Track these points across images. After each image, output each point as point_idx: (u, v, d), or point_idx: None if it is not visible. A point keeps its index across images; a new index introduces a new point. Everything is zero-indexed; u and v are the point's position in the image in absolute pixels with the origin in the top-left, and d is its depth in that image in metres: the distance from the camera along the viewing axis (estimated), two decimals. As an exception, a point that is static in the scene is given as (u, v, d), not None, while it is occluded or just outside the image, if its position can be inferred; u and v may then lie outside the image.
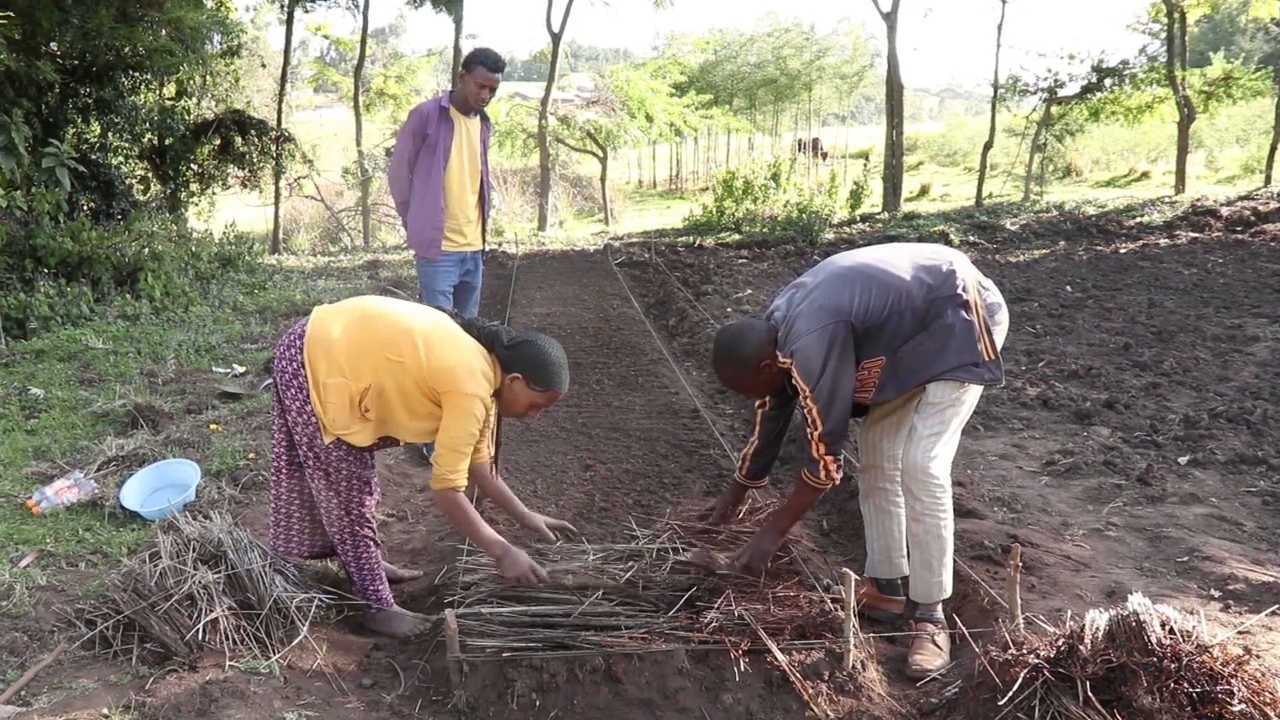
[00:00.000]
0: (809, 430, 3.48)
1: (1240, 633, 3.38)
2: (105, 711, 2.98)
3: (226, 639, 3.39)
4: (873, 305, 3.48)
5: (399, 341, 3.48)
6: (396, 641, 3.75)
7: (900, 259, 3.61)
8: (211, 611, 3.42)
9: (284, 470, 3.82)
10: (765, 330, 3.60)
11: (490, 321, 3.75)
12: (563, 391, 3.64)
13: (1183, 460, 5.44)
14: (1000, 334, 3.63)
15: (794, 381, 3.51)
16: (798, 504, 3.75)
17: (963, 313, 3.49)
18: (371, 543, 3.78)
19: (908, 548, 3.79)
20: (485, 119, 5.98)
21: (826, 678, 3.23)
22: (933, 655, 3.53)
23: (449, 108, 5.72)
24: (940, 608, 3.71)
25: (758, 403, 3.95)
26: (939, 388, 3.53)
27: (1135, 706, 2.59)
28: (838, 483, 3.64)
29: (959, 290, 3.51)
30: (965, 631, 3.29)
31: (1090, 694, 2.63)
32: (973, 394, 3.60)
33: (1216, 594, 3.80)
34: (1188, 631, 2.68)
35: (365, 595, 3.80)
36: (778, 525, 3.77)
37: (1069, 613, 3.11)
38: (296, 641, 3.53)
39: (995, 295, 3.67)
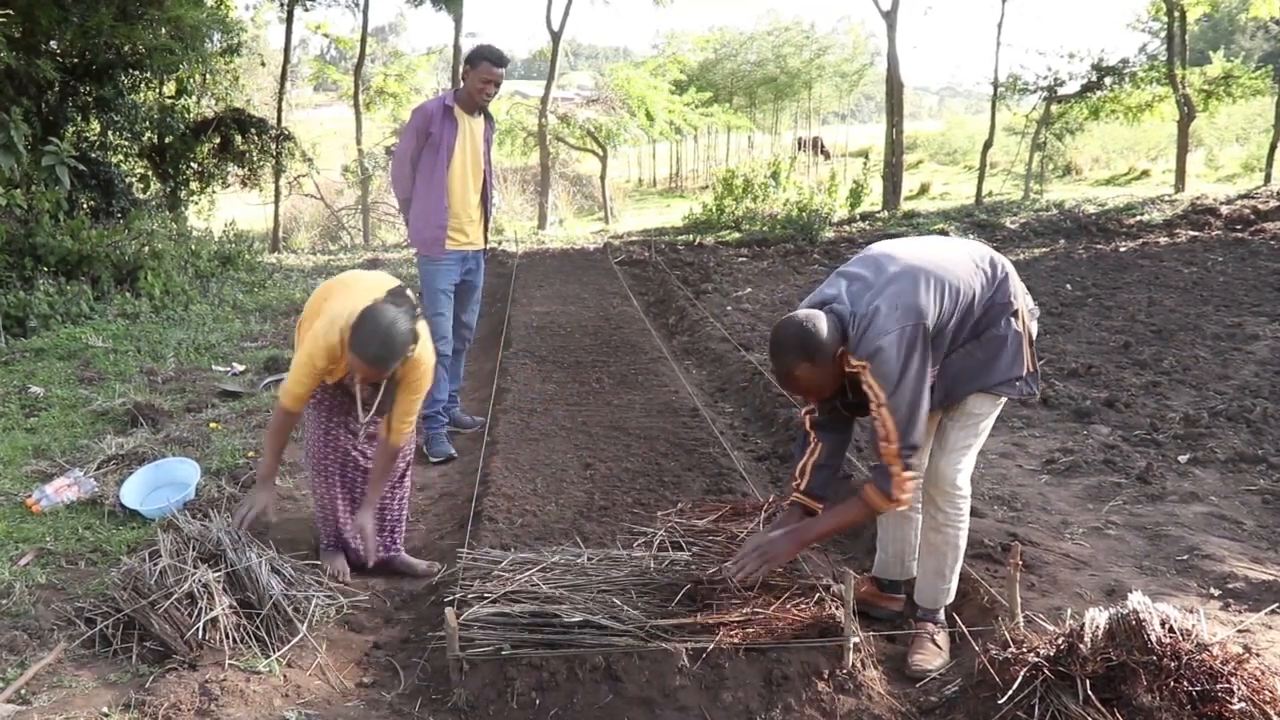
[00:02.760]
0: (882, 444, 3.18)
1: (1240, 631, 3.38)
2: (105, 710, 2.98)
3: (226, 638, 3.40)
4: (944, 309, 3.26)
5: (331, 289, 4.14)
6: (397, 641, 3.76)
7: (959, 258, 3.41)
8: (212, 610, 3.43)
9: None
10: (835, 323, 3.20)
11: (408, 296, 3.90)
12: (363, 357, 3.65)
13: (1183, 459, 5.44)
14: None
15: (865, 387, 3.17)
16: (845, 519, 3.48)
17: (1014, 322, 3.41)
18: (324, 484, 4.23)
19: (919, 552, 3.76)
20: (489, 118, 5.98)
21: (826, 676, 3.23)
22: (933, 655, 3.52)
23: (453, 106, 5.71)
24: (942, 609, 3.71)
25: (805, 409, 3.62)
26: (980, 400, 3.45)
27: (1135, 705, 2.59)
28: (903, 506, 3.38)
29: (1011, 298, 3.41)
30: (965, 630, 3.29)
31: (1090, 692, 2.63)
32: (1001, 407, 3.57)
33: (1216, 592, 3.80)
34: (1187, 630, 2.68)
35: (318, 527, 4.34)
36: (804, 536, 3.50)
37: (1069, 611, 3.11)
38: (297, 640, 3.54)
39: (1031, 300, 3.60)
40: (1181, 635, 2.66)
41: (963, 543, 3.61)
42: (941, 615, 3.69)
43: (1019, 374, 3.42)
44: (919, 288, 3.21)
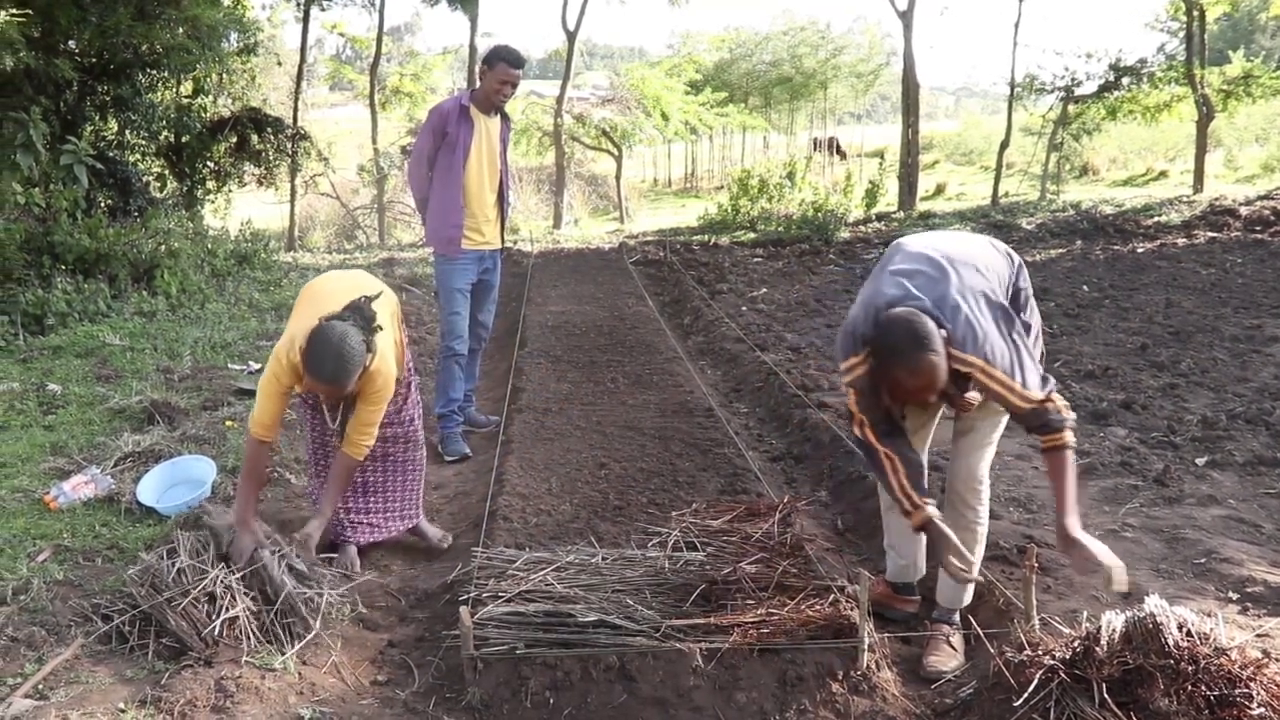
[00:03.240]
0: (1044, 404, 3.20)
1: (1259, 635, 3.36)
2: (122, 705, 3.00)
3: (242, 635, 3.41)
4: (998, 291, 3.36)
5: (305, 296, 4.09)
6: (411, 640, 3.76)
7: (986, 245, 3.53)
8: (233, 609, 3.44)
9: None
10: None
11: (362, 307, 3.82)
12: (315, 378, 3.64)
13: (1200, 461, 5.41)
14: None
15: (988, 382, 3.18)
16: (1073, 477, 3.28)
17: (1030, 314, 3.55)
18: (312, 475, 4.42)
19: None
20: (505, 118, 5.99)
21: (841, 678, 3.23)
22: (948, 656, 3.51)
23: (469, 106, 5.72)
24: (959, 610, 3.70)
25: (863, 423, 3.39)
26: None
27: (1152, 709, 2.59)
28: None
29: (1027, 285, 3.56)
30: (980, 632, 3.28)
31: (1106, 696, 2.62)
32: None
33: (1234, 596, 3.78)
34: (1205, 634, 2.67)
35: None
36: (1078, 503, 3.27)
37: (1085, 614, 3.10)
38: (311, 637, 3.55)
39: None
40: (1199, 639, 2.65)
41: (983, 540, 3.64)
42: (957, 617, 3.68)
43: (1042, 369, 3.39)
44: (982, 278, 3.31)
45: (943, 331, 3.10)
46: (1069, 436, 3.24)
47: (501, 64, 5.63)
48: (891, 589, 3.92)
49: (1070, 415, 3.25)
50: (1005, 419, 3.57)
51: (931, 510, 3.29)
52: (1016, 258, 3.57)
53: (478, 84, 5.85)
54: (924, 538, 3.78)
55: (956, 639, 3.61)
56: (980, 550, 3.64)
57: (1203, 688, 2.57)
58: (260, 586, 3.60)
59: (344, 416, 4.09)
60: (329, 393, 3.78)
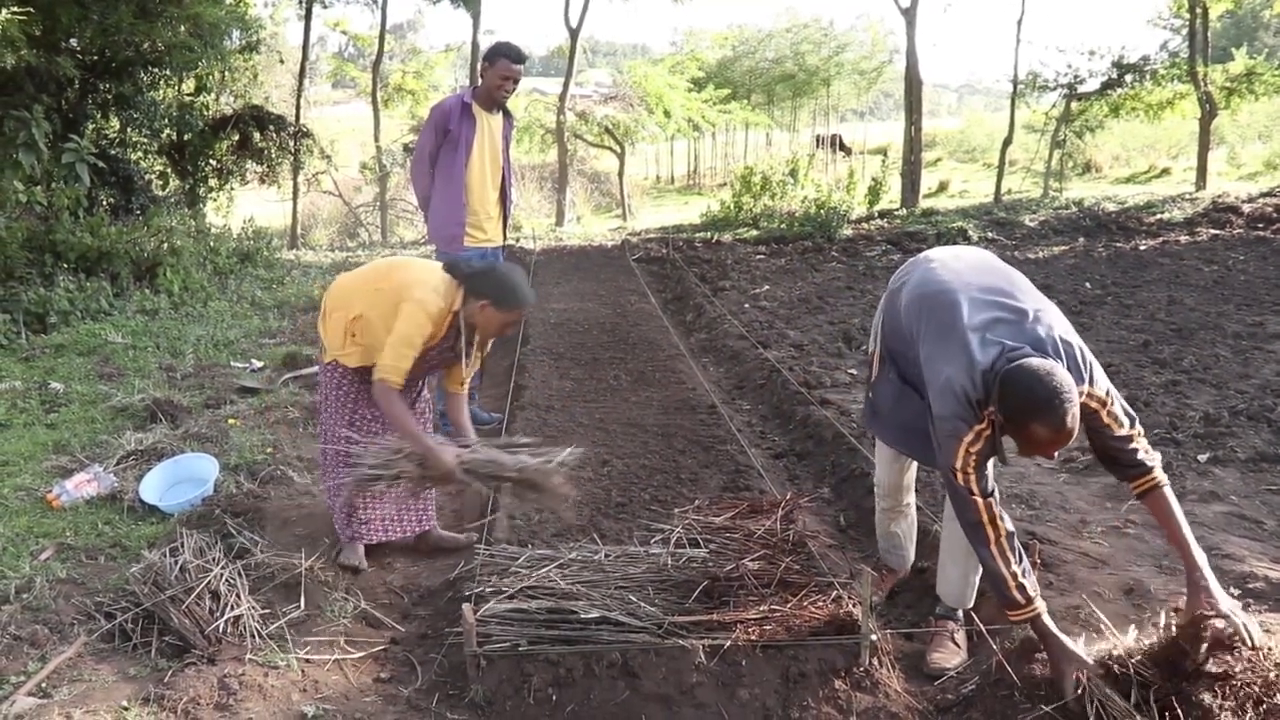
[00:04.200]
0: (1132, 440, 3.08)
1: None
2: (125, 703, 3.00)
3: (245, 633, 3.42)
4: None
5: (384, 274, 4.07)
6: (414, 637, 3.77)
7: (1012, 270, 3.44)
8: (237, 608, 3.45)
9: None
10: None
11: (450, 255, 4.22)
12: (527, 306, 4.02)
13: (1202, 458, 5.41)
14: None
15: (1091, 408, 3.04)
16: (1180, 517, 3.11)
17: None
18: (332, 469, 4.21)
19: (943, 550, 3.70)
20: (508, 114, 5.99)
21: (844, 674, 3.23)
22: (951, 653, 3.51)
23: (471, 104, 5.73)
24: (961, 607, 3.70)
25: (986, 494, 3.09)
26: None
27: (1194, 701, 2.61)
28: None
29: None
30: (984, 628, 3.28)
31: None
32: None
33: (1236, 592, 3.76)
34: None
35: (334, 521, 4.33)
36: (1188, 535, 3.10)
37: (1088, 609, 3.09)
38: (315, 635, 3.55)
39: None
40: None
41: None
42: (960, 614, 3.68)
43: None
44: (1040, 297, 3.27)
45: None
46: (1162, 474, 3.10)
47: (503, 60, 5.63)
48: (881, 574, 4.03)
49: (1157, 454, 3.13)
50: None
51: (1041, 605, 3.02)
52: None
53: (479, 81, 5.85)
54: (912, 537, 3.85)
55: (960, 636, 3.60)
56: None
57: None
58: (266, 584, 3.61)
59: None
60: (517, 321, 4.27)
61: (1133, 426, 3.08)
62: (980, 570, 3.50)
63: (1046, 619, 3.00)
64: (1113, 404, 3.06)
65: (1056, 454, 2.97)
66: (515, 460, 3.77)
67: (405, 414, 3.88)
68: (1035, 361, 2.89)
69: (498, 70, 5.65)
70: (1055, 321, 3.14)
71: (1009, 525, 3.10)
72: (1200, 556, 2.99)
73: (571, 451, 3.89)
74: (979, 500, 3.05)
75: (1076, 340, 3.10)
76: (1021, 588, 3.00)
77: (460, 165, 5.73)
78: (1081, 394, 2.95)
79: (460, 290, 3.93)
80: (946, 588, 3.69)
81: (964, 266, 3.44)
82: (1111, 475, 3.23)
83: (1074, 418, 2.80)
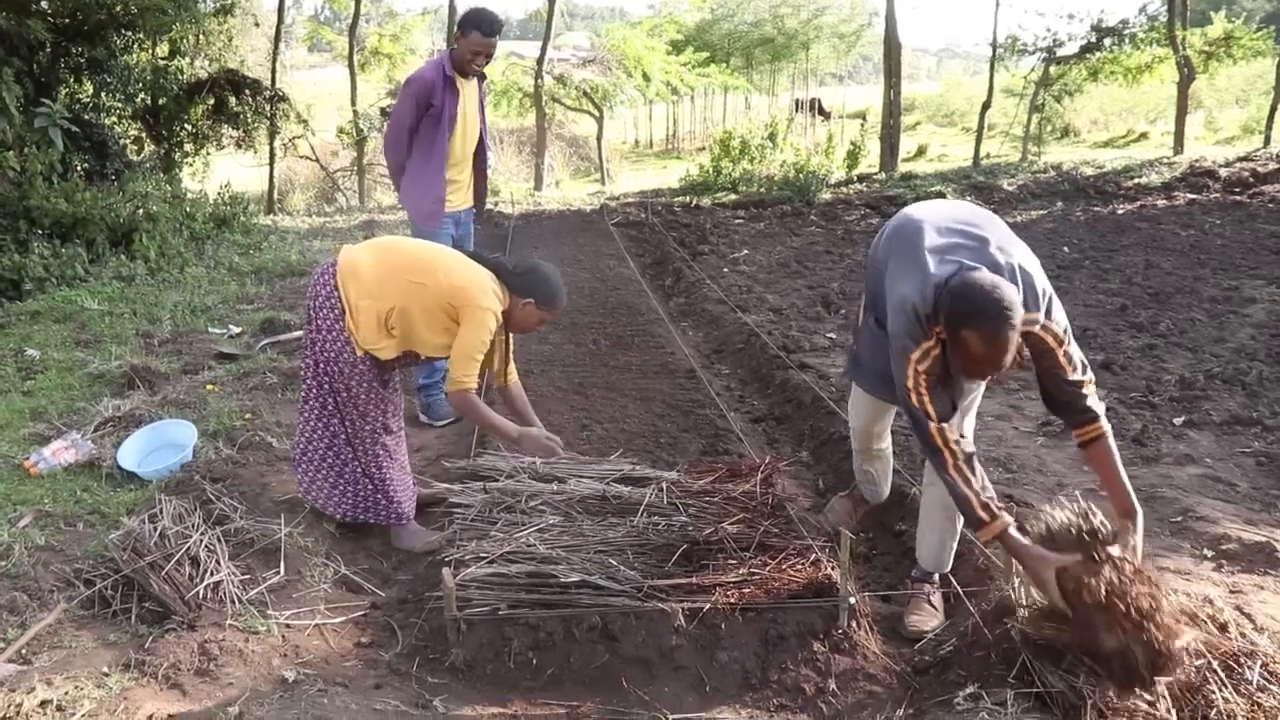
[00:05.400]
0: (1084, 385, 3.13)
1: (1232, 591, 3.41)
2: (105, 669, 3.00)
3: (226, 599, 3.42)
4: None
5: (421, 268, 3.97)
6: (395, 602, 3.78)
7: (988, 214, 3.46)
8: (217, 574, 3.45)
9: (312, 413, 4.12)
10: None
11: (491, 254, 4.24)
12: (561, 304, 4.19)
13: (1178, 421, 5.46)
14: None
15: (1047, 345, 3.10)
16: (1119, 465, 3.18)
17: None
18: (392, 457, 4.20)
19: (921, 515, 3.77)
20: (482, 76, 5.87)
21: (822, 637, 3.26)
22: (929, 616, 3.55)
23: (454, 76, 5.53)
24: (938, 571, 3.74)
25: (941, 424, 3.13)
26: None
27: None
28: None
29: None
30: (960, 590, 3.32)
31: None
32: None
33: (1209, 554, 3.82)
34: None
35: (389, 508, 4.23)
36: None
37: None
38: (295, 601, 3.56)
39: None
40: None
41: None
42: (937, 577, 3.71)
43: None
44: (1011, 235, 3.29)
45: None
46: (1107, 425, 3.15)
47: (475, 33, 5.43)
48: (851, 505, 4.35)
49: (1103, 406, 3.18)
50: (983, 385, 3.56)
51: (1007, 519, 3.05)
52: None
53: (455, 45, 5.68)
54: (886, 476, 4.03)
55: (936, 598, 3.65)
56: (957, 519, 3.60)
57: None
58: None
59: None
60: (555, 316, 4.29)
61: (1085, 373, 3.16)
62: (957, 535, 3.56)
63: (1014, 533, 3.04)
64: (1069, 345, 3.11)
65: (993, 377, 3.15)
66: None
67: (490, 413, 4.07)
68: (985, 275, 2.96)
69: (470, 43, 5.46)
70: (1019, 253, 3.18)
71: (968, 447, 3.17)
72: (1137, 508, 3.09)
73: None
74: (932, 425, 3.11)
75: (1039, 274, 3.15)
76: (985, 505, 3.05)
77: (444, 139, 5.55)
78: (1037, 324, 3.05)
79: (506, 289, 4.08)
80: (924, 551, 3.72)
81: (941, 205, 3.55)
82: (1058, 419, 3.27)
83: (1011, 333, 2.86)
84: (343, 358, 3.94)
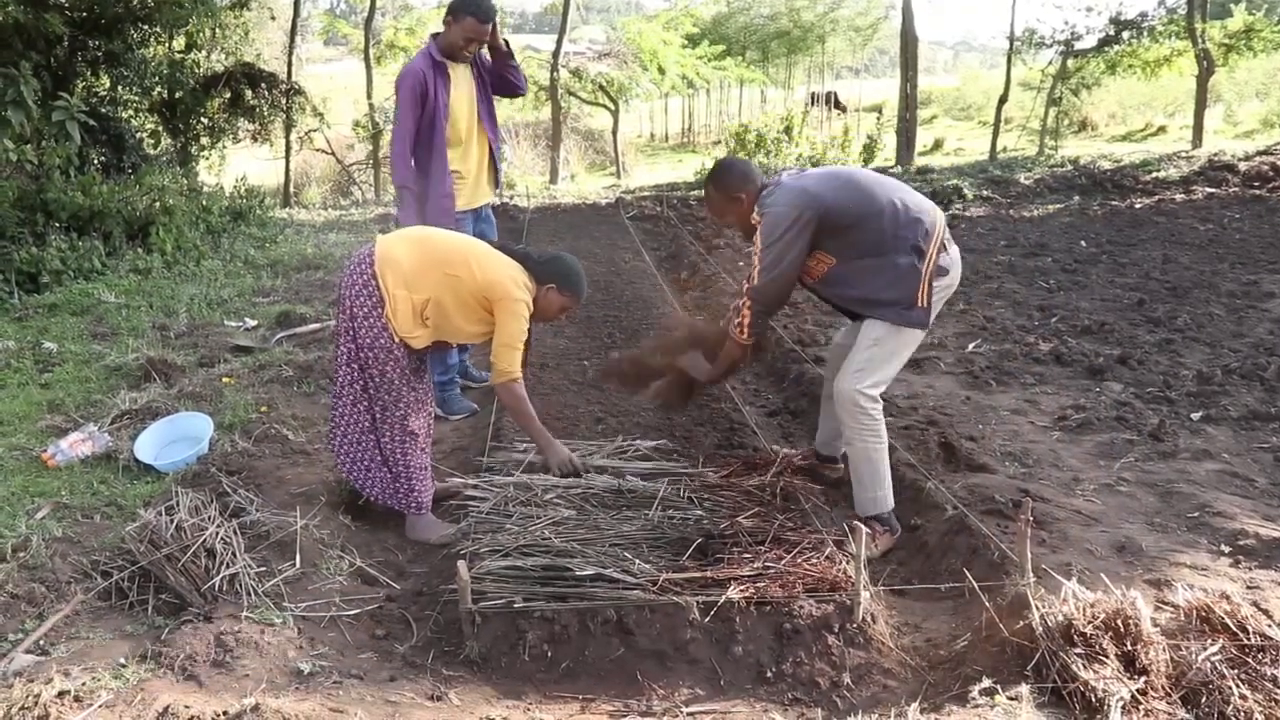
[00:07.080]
0: (744, 284, 4.09)
1: (1249, 587, 3.39)
2: (122, 660, 3.02)
3: (241, 590, 3.43)
4: (847, 207, 3.93)
5: (455, 260, 4.09)
6: (410, 594, 3.78)
7: (891, 187, 4.04)
8: (233, 565, 3.46)
9: (345, 397, 4.20)
10: (757, 180, 4.16)
11: (516, 245, 4.51)
12: (585, 293, 4.42)
13: (1195, 416, 5.43)
14: (940, 296, 4.07)
15: (753, 239, 4.03)
16: (726, 360, 4.38)
17: (915, 259, 3.93)
18: (418, 446, 4.26)
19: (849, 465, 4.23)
20: (477, 60, 5.58)
21: (837, 630, 3.25)
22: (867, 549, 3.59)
23: (445, 63, 5.34)
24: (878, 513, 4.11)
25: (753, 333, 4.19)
26: (873, 325, 4.01)
27: None
28: (747, 344, 4.20)
29: (920, 240, 3.94)
30: (976, 585, 3.30)
31: None
32: (906, 336, 4.03)
33: (1227, 549, 3.80)
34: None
35: (409, 497, 4.27)
36: (713, 372, 4.52)
37: (1079, 567, 3.10)
38: (310, 593, 3.57)
39: (952, 262, 4.08)
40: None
41: (876, 456, 4.03)
42: (890, 518, 4.14)
43: (905, 301, 3.93)
44: (827, 183, 4.01)
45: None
46: (731, 329, 4.19)
47: (469, 18, 5.21)
48: (817, 458, 4.72)
49: (744, 336, 4.15)
50: (876, 348, 3.99)
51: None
52: (919, 215, 3.98)
53: (442, 30, 5.39)
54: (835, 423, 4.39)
55: (883, 541, 4.08)
56: (870, 471, 4.05)
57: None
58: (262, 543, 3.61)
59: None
60: (577, 304, 4.46)
61: (747, 289, 4.06)
62: (880, 479, 4.09)
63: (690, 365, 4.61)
64: (759, 237, 4.00)
65: (722, 226, 4.13)
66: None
67: (533, 413, 4.27)
68: (748, 163, 4.33)
69: (463, 28, 5.24)
70: (796, 181, 4.05)
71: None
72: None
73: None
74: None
75: (791, 200, 3.95)
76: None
77: (440, 132, 5.36)
78: (749, 201, 4.14)
79: (531, 278, 4.23)
80: (855, 500, 4.17)
81: (884, 175, 4.31)
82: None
83: (715, 189, 4.23)
84: (379, 343, 4.02)
